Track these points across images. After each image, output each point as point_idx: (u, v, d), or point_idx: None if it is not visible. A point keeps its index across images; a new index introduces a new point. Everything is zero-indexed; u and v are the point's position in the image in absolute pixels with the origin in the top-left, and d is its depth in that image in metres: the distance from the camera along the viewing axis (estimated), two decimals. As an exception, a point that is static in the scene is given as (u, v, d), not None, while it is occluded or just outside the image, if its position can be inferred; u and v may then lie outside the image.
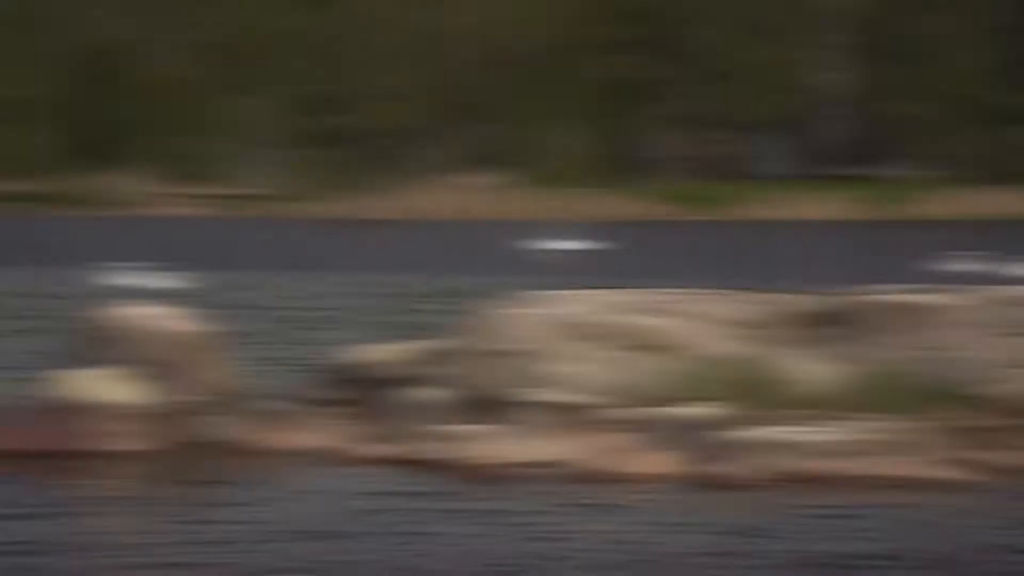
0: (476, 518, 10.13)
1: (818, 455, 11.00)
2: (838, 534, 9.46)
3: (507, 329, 13.61)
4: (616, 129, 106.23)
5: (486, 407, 12.99)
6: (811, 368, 12.71)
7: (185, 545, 9.27)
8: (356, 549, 9.15)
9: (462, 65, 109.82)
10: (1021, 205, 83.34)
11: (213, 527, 9.97)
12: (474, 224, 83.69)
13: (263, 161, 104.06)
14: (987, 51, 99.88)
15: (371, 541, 9.38)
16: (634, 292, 14.80)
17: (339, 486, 11.34)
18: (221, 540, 9.41)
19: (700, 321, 13.59)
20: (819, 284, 15.68)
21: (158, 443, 12.72)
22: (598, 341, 13.30)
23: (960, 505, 10.39)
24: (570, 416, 12.21)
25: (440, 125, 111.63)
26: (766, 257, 48.28)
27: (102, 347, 12.94)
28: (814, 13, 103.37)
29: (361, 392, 14.75)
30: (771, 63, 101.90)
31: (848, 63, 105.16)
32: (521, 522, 9.94)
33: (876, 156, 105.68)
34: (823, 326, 13.67)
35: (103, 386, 12.58)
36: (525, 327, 13.57)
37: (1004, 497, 10.80)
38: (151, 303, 13.37)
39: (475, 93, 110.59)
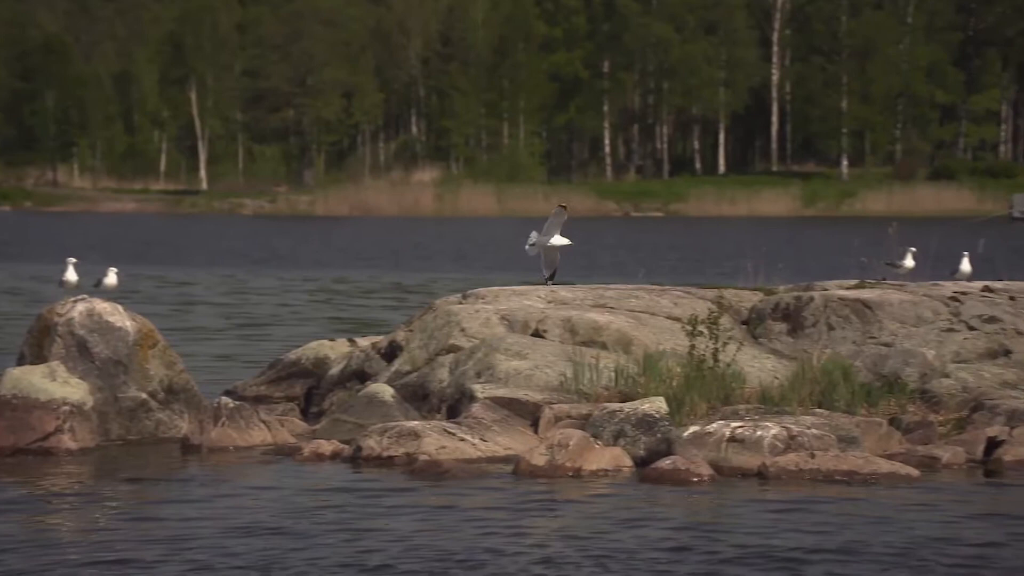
0: (426, 514, 10.13)
1: (767, 450, 11.09)
2: (789, 528, 9.55)
3: (456, 325, 13.63)
4: (562, 125, 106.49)
5: (435, 403, 13.01)
6: (759, 363, 12.86)
7: (135, 542, 9.20)
8: (306, 545, 9.11)
9: (408, 61, 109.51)
10: (958, 201, 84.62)
11: (163, 524, 9.90)
12: (420, 220, 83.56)
13: (209, 156, 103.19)
14: (924, 48, 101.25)
15: (321, 537, 9.35)
16: (582, 288, 14.88)
17: (289, 482, 11.28)
18: (171, 537, 9.35)
19: (648, 316, 13.70)
20: (764, 279, 15.79)
21: (105, 440, 12.62)
22: (547, 337, 13.36)
23: (908, 499, 10.52)
24: (520, 412, 12.25)
25: (387, 120, 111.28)
26: (711, 252, 48.66)
27: (47, 343, 12.78)
28: (755, 9, 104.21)
29: (310, 388, 14.74)
30: (713, 59, 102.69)
31: (790, 60, 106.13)
32: (472, 518, 9.93)
33: (815, 152, 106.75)
34: (770, 321, 13.83)
35: (48, 383, 12.43)
36: (474, 322, 13.59)
37: (950, 490, 10.95)
38: (95, 299, 13.24)
39: (421, 89, 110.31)
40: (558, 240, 14.25)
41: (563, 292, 14.38)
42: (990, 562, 8.68)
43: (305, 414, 14.22)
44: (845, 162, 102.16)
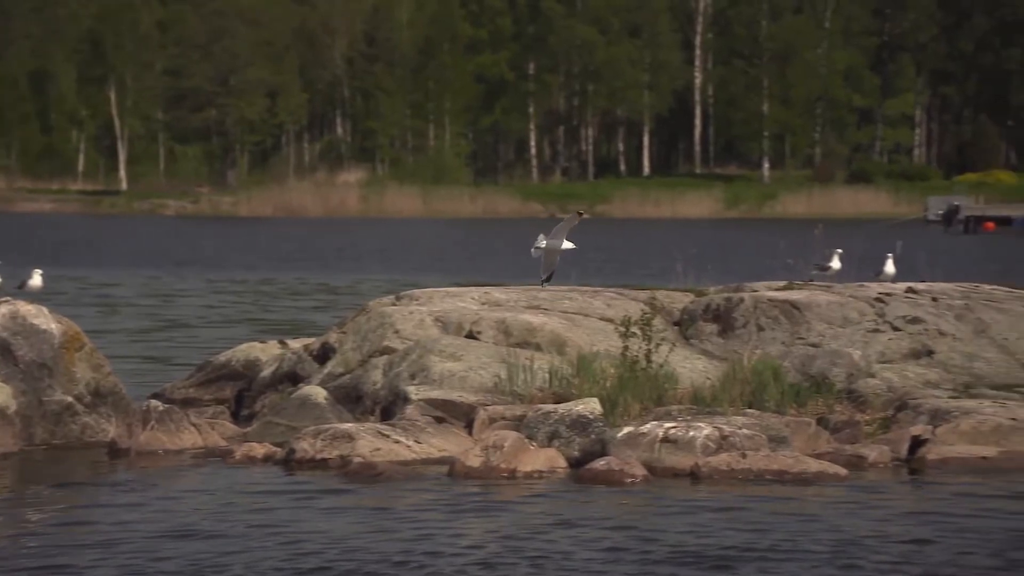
0: (362, 516, 10.10)
1: (700, 450, 11.19)
2: (722, 528, 9.65)
3: (389, 326, 13.60)
4: (487, 126, 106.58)
5: (369, 405, 12.97)
6: (691, 364, 12.98)
7: (63, 548, 9.06)
8: (240, 549, 9.04)
9: (333, 61, 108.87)
10: (875, 204, 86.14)
11: (93, 529, 9.76)
12: (346, 221, 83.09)
13: (129, 156, 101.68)
14: (841, 53, 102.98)
15: (253, 540, 9.28)
16: (514, 289, 14.92)
17: (221, 485, 11.18)
18: (101, 542, 9.22)
19: (582, 318, 13.78)
20: (693, 280, 15.96)
21: (29, 445, 12.40)
22: (481, 338, 13.38)
23: (837, 497, 10.68)
24: (454, 413, 12.26)
25: (311, 121, 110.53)
26: (638, 254, 49.03)
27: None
28: (678, 12, 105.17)
29: (240, 390, 14.63)
30: (637, 62, 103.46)
31: (712, 63, 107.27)
32: (408, 520, 9.92)
33: (738, 155, 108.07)
34: (701, 322, 13.98)
35: (-28, 387, 12.18)
36: (408, 324, 13.58)
37: (877, 489, 11.14)
38: (19, 301, 13.01)
39: (345, 89, 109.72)
40: (566, 244, 14.39)
41: (497, 293, 14.42)
42: (916, 559, 8.85)
43: (236, 417, 14.11)
44: (766, 165, 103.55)
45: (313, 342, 14.63)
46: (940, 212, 77.99)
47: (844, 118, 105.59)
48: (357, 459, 11.44)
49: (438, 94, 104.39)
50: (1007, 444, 11.91)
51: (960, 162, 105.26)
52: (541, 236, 14.57)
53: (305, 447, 11.75)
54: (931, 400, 12.60)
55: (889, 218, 70.29)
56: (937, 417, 12.22)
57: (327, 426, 12.06)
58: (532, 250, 14.66)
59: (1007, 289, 15.27)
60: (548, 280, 14.79)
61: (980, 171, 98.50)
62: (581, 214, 14.41)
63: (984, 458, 11.77)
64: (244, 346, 15.49)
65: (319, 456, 11.69)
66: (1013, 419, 12.15)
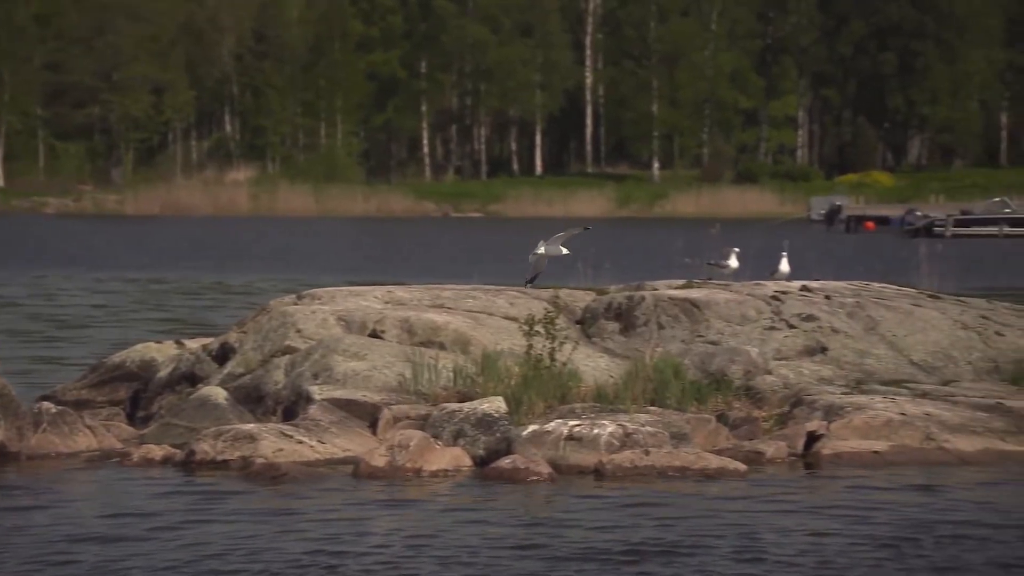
0: (264, 518, 9.99)
1: (604, 448, 11.30)
2: (626, 524, 9.76)
3: (291, 326, 13.48)
4: (380, 125, 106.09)
5: (271, 405, 12.84)
6: (594, 362, 13.10)
7: (-41, 554, 8.80)
8: (139, 552, 8.89)
9: (221, 58, 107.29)
10: (761, 203, 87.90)
11: (-12, 534, 9.49)
12: (237, 219, 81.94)
13: (7, 152, 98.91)
14: (727, 55, 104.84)
15: (154, 543, 9.13)
16: (416, 288, 14.90)
17: (119, 488, 10.98)
18: (-3, 548, 8.98)
19: (486, 316, 13.81)
20: (592, 279, 16.10)
21: (-82, 449, 12.01)
22: (385, 337, 13.33)
23: (737, 493, 10.87)
24: (358, 413, 12.19)
25: (199, 118, 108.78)
26: (528, 252, 49.10)
27: None
28: (568, 13, 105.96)
29: (136, 392, 14.37)
30: (529, 62, 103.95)
31: (602, 64, 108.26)
32: (313, 520, 9.85)
33: (628, 155, 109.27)
34: (603, 321, 14.11)
35: None
36: (310, 323, 13.47)
37: (774, 484, 11.35)
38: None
39: (234, 86, 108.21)
40: (563, 250, 14.46)
41: (400, 292, 14.39)
42: (813, 551, 9.05)
43: (131, 419, 13.85)
44: (656, 165, 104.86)
45: (211, 342, 14.43)
46: (823, 212, 79.84)
47: (730, 119, 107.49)
48: (259, 460, 11.32)
49: (329, 92, 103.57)
50: (897, 438, 12.24)
51: (840, 163, 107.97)
52: (541, 243, 14.75)
53: (206, 448, 11.59)
54: (825, 396, 12.89)
55: (774, 217, 71.70)
56: (831, 413, 12.50)
57: (228, 427, 11.90)
58: (530, 256, 14.82)
59: (895, 287, 15.71)
60: (531, 282, 14.91)
61: (859, 172, 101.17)
62: (588, 228, 14.70)
63: (876, 452, 12.08)
64: (139, 346, 15.21)
65: (220, 457, 11.54)
66: (902, 414, 12.50)
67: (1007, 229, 63.68)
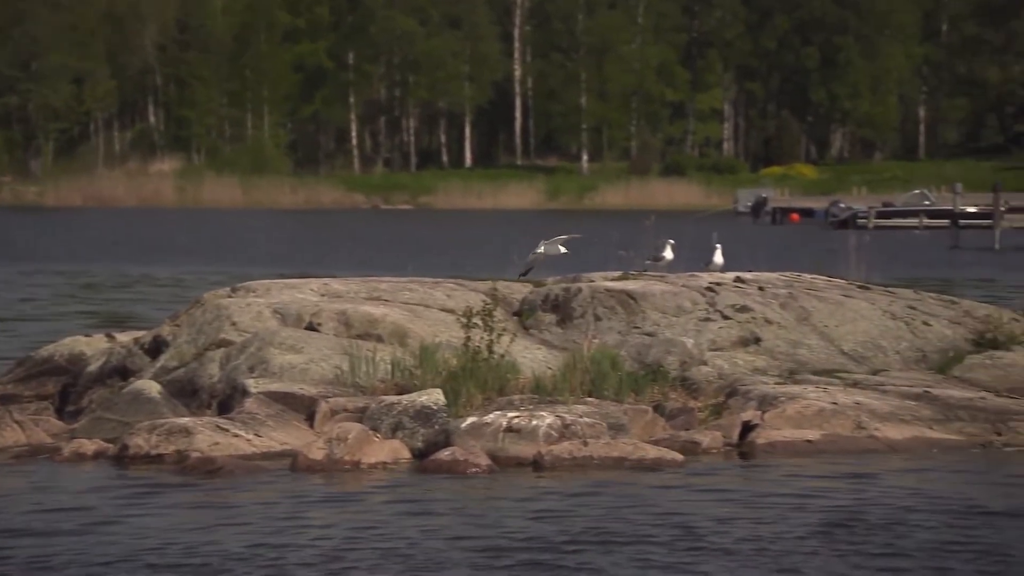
0: (201, 512, 9.91)
1: (543, 439, 11.34)
2: (565, 514, 9.82)
3: (226, 319, 13.35)
4: (307, 116, 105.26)
5: (205, 399, 12.72)
6: (532, 354, 13.12)
7: None
8: (72, 548, 8.78)
9: (143, 47, 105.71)
10: (688, 195, 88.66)
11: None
12: (162, 211, 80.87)
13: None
14: (653, 48, 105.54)
15: (90, 539, 9.03)
16: (356, 280, 14.83)
17: (48, 483, 10.82)
18: (-74, 545, 8.80)
19: (423, 308, 13.77)
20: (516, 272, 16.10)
21: None
22: (321, 330, 13.26)
23: (674, 482, 10.97)
24: (295, 406, 12.12)
25: (121, 108, 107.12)
26: (467, 244, 49.21)
27: None
28: (496, 5, 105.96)
29: (65, 386, 14.17)
30: (458, 54, 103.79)
31: (531, 56, 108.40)
32: (251, 514, 9.78)
33: (557, 147, 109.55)
34: (541, 312, 14.14)
35: None
36: (245, 316, 13.36)
37: (710, 473, 11.47)
38: None
39: (158, 77, 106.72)
40: (561, 249, 14.64)
41: (336, 285, 14.31)
42: (749, 540, 9.15)
43: (60, 413, 13.64)
44: (585, 157, 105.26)
45: (144, 335, 14.25)
46: (749, 204, 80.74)
47: (658, 112, 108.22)
48: (195, 454, 11.21)
49: (256, 83, 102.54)
50: (829, 427, 12.43)
51: (766, 155, 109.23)
52: (542, 242, 14.85)
53: (139, 442, 11.46)
54: (759, 386, 13.04)
55: (702, 210, 72.36)
56: (765, 403, 12.66)
57: (162, 421, 11.78)
58: (530, 255, 14.88)
59: (825, 278, 15.93)
60: (525, 275, 14.94)
61: (784, 165, 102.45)
62: (579, 236, 14.92)
63: (808, 441, 12.25)
64: (68, 340, 14.99)
65: (154, 452, 11.42)
66: (834, 403, 12.69)
67: (926, 221, 64.89)
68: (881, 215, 66.54)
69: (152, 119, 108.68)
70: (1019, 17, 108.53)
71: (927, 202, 68.74)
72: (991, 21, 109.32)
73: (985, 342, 14.51)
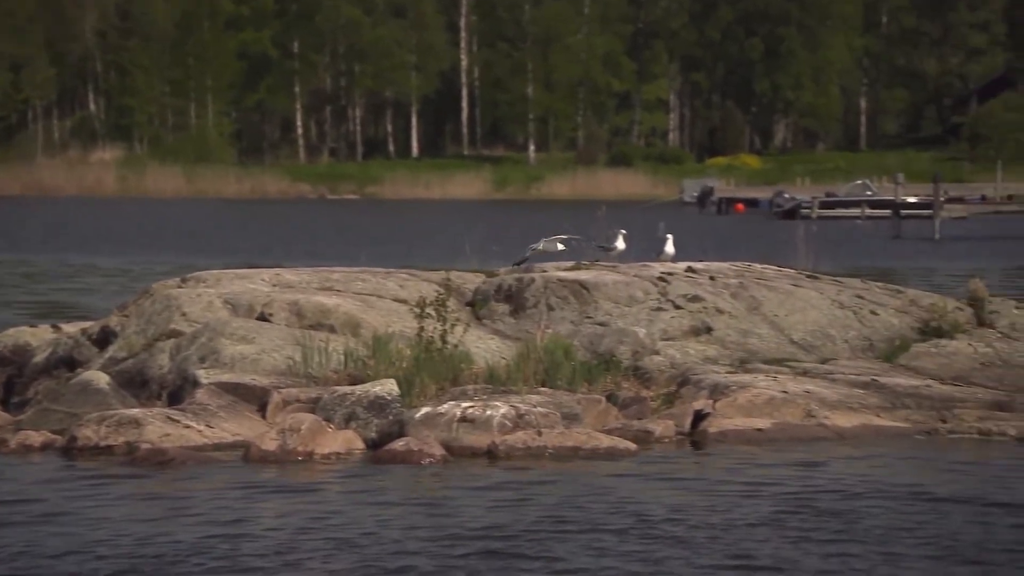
0: (152, 503, 9.84)
1: (497, 429, 11.36)
2: (519, 504, 9.84)
3: (176, 309, 13.23)
4: (252, 105, 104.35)
5: (155, 389, 12.60)
6: (485, 344, 13.12)
7: None
8: (25, 540, 8.69)
9: (83, 34, 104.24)
10: (634, 186, 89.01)
11: None
12: (104, 200, 79.85)
13: None
14: (600, 39, 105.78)
15: (41, 530, 8.93)
16: (307, 270, 14.75)
17: (-4, 475, 10.65)
18: None
19: (376, 299, 13.73)
20: (477, 262, 16.13)
21: None
22: (273, 320, 13.17)
23: (627, 471, 11.03)
24: (247, 397, 12.04)
25: (61, 96, 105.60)
26: (411, 235, 49.09)
27: None
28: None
29: (10, 377, 13.99)
30: (403, 43, 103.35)
31: (477, 46, 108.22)
32: (202, 506, 9.71)
33: (504, 137, 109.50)
34: (494, 302, 14.15)
35: None
36: (195, 306, 13.24)
37: (663, 462, 11.53)
38: None
39: (98, 64, 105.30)
40: (559, 246, 14.81)
41: (288, 275, 14.22)
42: (702, 528, 9.22)
43: (6, 405, 13.46)
44: (532, 147, 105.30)
45: (91, 326, 14.08)
46: (695, 194, 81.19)
47: (604, 102, 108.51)
48: (145, 445, 11.11)
49: (199, 71, 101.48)
50: (779, 416, 12.54)
51: (711, 146, 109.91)
52: (542, 240, 14.93)
53: (88, 434, 11.34)
54: (711, 376, 13.14)
55: (648, 200, 72.67)
56: (716, 392, 12.76)
57: (112, 412, 11.66)
58: (528, 249, 14.89)
59: (775, 268, 16.07)
60: (520, 264, 15.04)
61: (729, 155, 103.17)
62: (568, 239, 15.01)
63: (759, 430, 12.35)
64: (12, 330, 14.78)
65: (104, 443, 11.30)
66: (784, 392, 12.82)
67: (868, 211, 65.59)
68: (824, 205, 67.13)
69: (92, 107, 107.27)
70: (956, 10, 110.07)
71: (869, 192, 69.48)
72: (929, 13, 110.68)
73: (930, 331, 14.71)
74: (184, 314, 13.12)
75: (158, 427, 11.35)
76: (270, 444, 11.04)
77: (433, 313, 12.38)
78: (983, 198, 67.03)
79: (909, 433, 12.59)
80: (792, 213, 64.47)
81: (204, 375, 12.13)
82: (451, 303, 13.03)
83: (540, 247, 14.92)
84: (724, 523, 9.32)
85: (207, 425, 11.50)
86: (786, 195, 73.57)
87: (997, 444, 12.25)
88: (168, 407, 12.07)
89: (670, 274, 14.73)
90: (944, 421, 12.74)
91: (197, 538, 8.75)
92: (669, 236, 15.58)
